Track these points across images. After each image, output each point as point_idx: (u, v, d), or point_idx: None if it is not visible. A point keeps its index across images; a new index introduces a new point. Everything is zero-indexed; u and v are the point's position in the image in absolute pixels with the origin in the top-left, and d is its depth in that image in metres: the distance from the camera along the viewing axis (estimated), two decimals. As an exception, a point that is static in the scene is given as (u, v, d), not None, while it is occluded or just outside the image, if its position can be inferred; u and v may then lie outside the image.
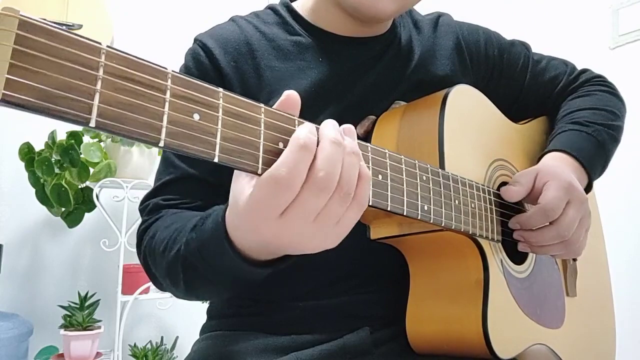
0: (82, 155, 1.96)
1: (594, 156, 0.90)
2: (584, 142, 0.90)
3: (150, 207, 0.81)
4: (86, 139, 2.03)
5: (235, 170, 0.52)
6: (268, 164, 0.46)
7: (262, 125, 0.45)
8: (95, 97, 0.33)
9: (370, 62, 0.88)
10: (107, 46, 0.34)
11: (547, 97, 1.03)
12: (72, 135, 1.98)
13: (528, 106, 1.02)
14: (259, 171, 0.45)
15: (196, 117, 0.40)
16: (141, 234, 0.79)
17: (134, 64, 0.36)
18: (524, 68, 1.00)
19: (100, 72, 0.33)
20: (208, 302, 0.95)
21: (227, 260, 0.59)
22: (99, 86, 0.33)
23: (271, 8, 0.92)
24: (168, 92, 0.38)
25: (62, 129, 2.03)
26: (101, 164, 1.99)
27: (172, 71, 0.39)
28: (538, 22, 2.51)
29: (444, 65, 0.92)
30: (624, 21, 2.18)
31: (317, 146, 0.48)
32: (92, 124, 0.33)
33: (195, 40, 0.86)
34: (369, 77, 0.87)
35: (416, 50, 0.92)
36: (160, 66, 0.38)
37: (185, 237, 0.66)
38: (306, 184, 0.47)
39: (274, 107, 0.48)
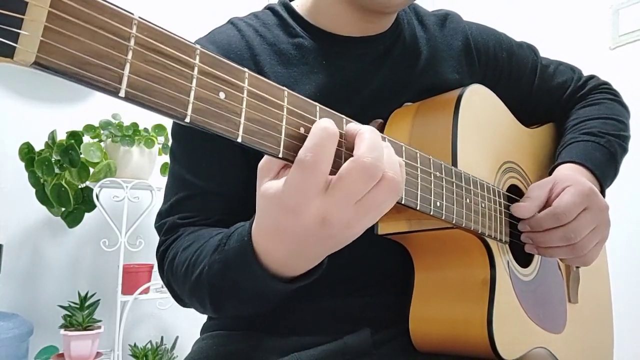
0: (82, 155, 1.96)
1: (607, 167, 0.91)
2: (597, 153, 0.90)
3: (167, 227, 0.79)
4: (86, 139, 2.03)
5: (259, 171, 0.52)
6: (289, 147, 0.46)
7: (285, 109, 0.46)
8: (126, 67, 0.33)
9: (376, 63, 0.86)
10: (139, 17, 0.34)
11: (555, 103, 1.03)
12: (72, 135, 1.98)
13: (535, 111, 1.02)
14: (280, 154, 0.46)
15: (222, 95, 0.40)
16: (161, 256, 0.78)
17: (163, 37, 0.36)
18: (532, 72, 1.00)
19: (132, 43, 0.33)
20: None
21: (254, 279, 0.58)
22: (129, 56, 0.33)
23: (270, 8, 0.90)
24: (196, 69, 0.38)
25: (62, 129, 2.03)
26: (101, 164, 1.99)
27: (201, 48, 0.39)
28: (538, 22, 2.52)
29: (452, 67, 0.91)
30: (625, 21, 2.19)
31: (356, 137, 0.50)
32: (122, 94, 0.33)
33: None
34: (376, 79, 0.85)
35: (422, 49, 0.90)
36: (189, 42, 0.38)
37: (207, 258, 0.65)
38: (355, 170, 0.47)
39: None
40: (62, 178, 1.96)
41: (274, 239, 0.55)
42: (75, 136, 1.98)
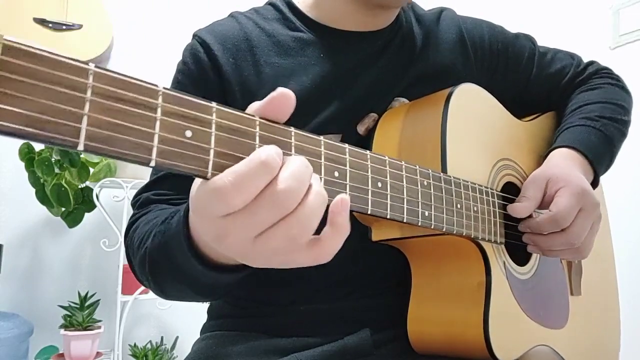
0: (82, 155, 1.96)
1: (602, 152, 0.90)
2: (592, 137, 0.89)
3: (140, 201, 0.80)
4: (86, 138, 2.03)
5: None
6: None
7: (258, 139, 0.44)
8: (83, 120, 0.32)
9: (372, 58, 0.87)
10: (96, 66, 0.33)
11: (554, 89, 1.02)
12: (72, 135, 1.98)
13: (534, 99, 1.01)
14: None
15: (188, 134, 0.38)
16: (128, 228, 0.78)
17: (123, 83, 0.35)
18: (529, 61, 0.99)
19: (88, 94, 0.32)
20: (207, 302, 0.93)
21: (183, 257, 0.56)
22: (86, 109, 0.32)
23: (271, 4, 0.91)
24: (159, 110, 0.37)
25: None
26: (101, 164, 2.00)
27: (164, 88, 0.38)
28: (538, 21, 2.50)
29: (446, 58, 0.91)
30: (625, 21, 2.18)
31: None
32: (81, 147, 0.32)
33: (194, 36, 0.85)
34: (371, 73, 0.86)
35: (418, 43, 0.91)
36: (151, 84, 0.37)
37: (155, 230, 0.65)
38: (262, 195, 0.41)
39: (264, 101, 0.45)
40: (62, 178, 1.97)
41: (194, 217, 0.53)
42: (74, 136, 1.98)
